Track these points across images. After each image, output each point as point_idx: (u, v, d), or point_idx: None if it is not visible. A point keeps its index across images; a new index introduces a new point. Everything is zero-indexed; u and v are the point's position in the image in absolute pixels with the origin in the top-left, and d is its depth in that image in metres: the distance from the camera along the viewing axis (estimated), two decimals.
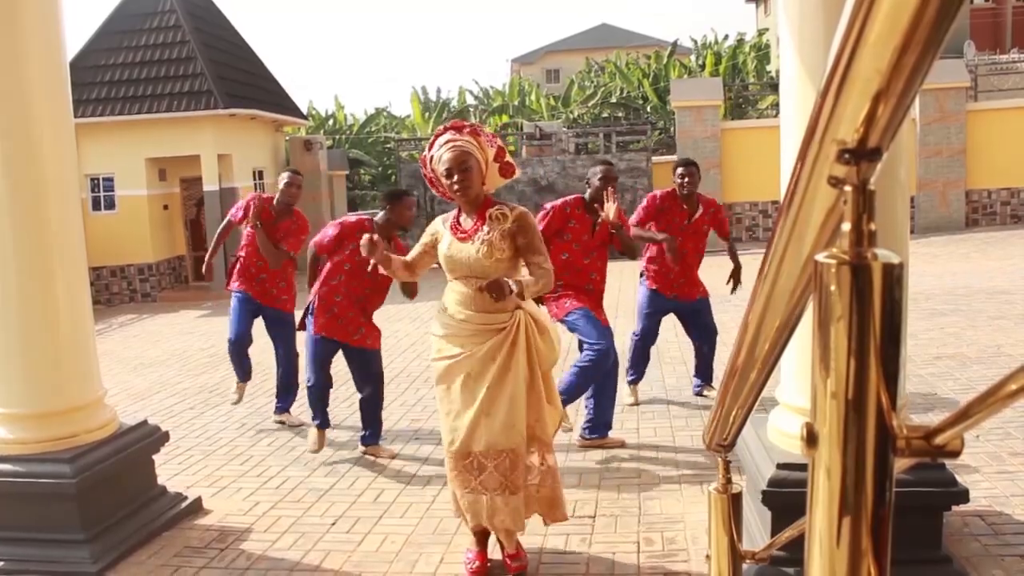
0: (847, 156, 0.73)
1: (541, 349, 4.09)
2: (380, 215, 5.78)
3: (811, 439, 0.76)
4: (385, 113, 28.52)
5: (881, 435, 0.73)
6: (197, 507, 5.23)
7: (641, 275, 6.91)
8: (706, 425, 1.76)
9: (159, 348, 11.21)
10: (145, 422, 5.19)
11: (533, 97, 28.20)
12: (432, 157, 4.08)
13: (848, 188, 0.74)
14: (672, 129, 19.97)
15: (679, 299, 6.80)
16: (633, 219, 6.61)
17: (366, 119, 26.85)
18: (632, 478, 5.40)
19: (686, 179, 6.58)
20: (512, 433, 3.97)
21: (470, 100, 29.51)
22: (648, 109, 23.61)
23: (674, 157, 18.16)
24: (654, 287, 6.78)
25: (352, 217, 5.99)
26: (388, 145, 24.55)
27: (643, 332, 6.90)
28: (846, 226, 0.73)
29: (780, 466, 3.75)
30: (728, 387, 1.45)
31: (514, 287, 3.79)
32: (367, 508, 5.16)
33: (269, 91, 18.73)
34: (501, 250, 3.98)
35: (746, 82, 24.50)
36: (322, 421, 6.08)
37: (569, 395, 5.49)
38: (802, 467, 3.01)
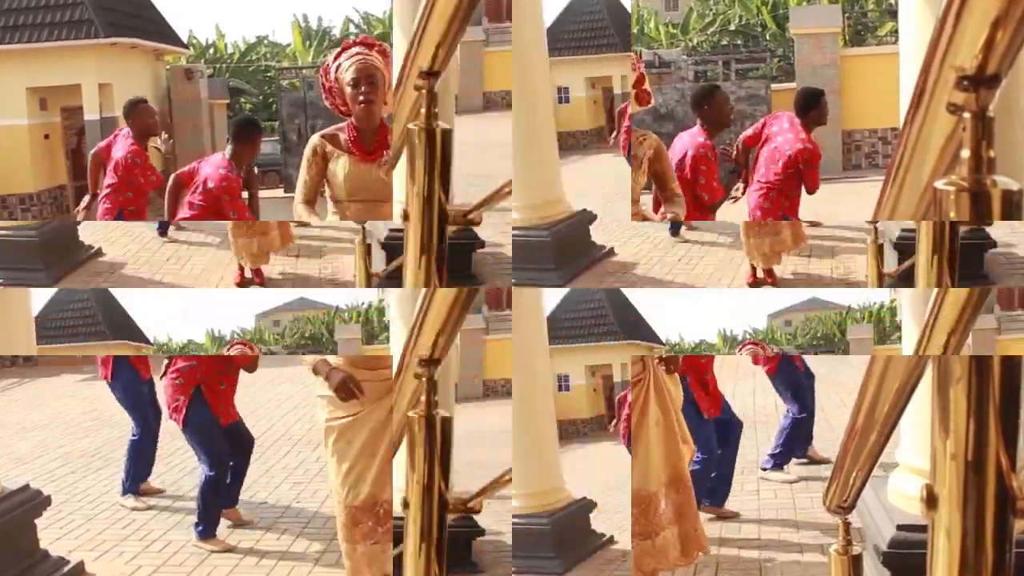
0: (966, 83, 0.74)
1: (671, 390, 4.17)
2: (229, 149, 5.42)
3: (931, 500, 0.77)
4: (266, 42, 28.34)
5: (1001, 496, 0.73)
6: (79, 571, 5.09)
7: None
8: (826, 487, 1.76)
9: (41, 412, 10.77)
10: (27, 486, 5.03)
11: (652, 24, 28.00)
12: (339, 66, 3.92)
13: (967, 115, 0.74)
14: (791, 56, 19.66)
15: None
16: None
17: (247, 48, 26.67)
18: (752, 540, 5.30)
19: None
20: None
21: (352, 29, 29.08)
22: (767, 36, 23.31)
23: (793, 85, 17.56)
24: None
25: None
26: (269, 74, 24.36)
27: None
28: (965, 152, 0.74)
29: (900, 527, 3.66)
30: (848, 449, 1.45)
31: None
32: (249, 571, 5.14)
33: (150, 20, 18.44)
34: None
35: (865, 8, 24.00)
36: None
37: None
38: (922, 528, 2.93)
